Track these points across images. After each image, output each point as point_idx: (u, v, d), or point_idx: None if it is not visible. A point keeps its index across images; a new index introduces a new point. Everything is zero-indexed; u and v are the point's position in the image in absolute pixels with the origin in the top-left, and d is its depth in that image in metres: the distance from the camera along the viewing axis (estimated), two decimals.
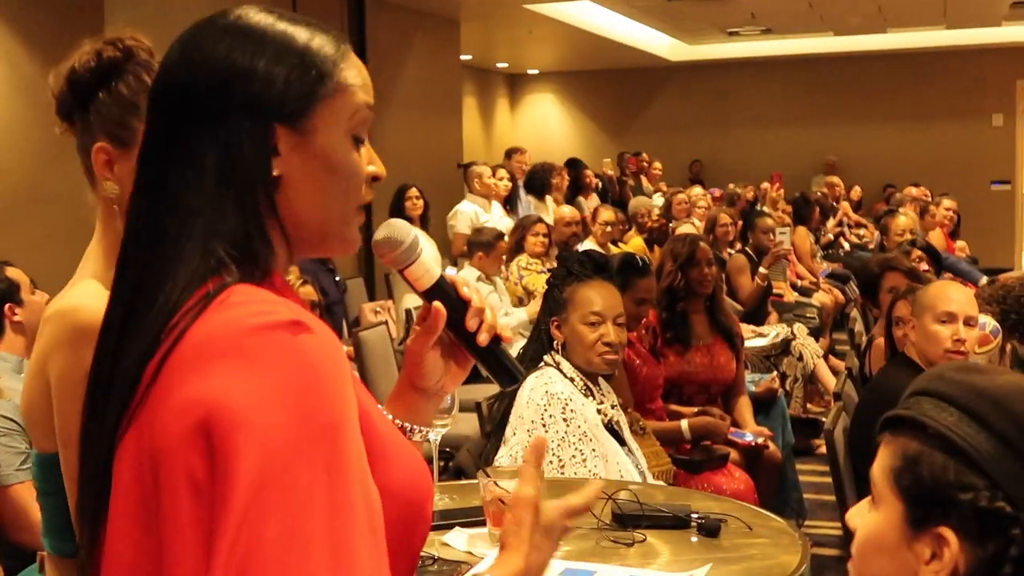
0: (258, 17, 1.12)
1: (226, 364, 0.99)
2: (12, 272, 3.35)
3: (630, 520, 2.27)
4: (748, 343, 5.62)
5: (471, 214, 7.95)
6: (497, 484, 2.19)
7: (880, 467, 1.28)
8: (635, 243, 8.12)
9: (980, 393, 1.23)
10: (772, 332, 6.21)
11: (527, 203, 9.17)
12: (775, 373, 5.63)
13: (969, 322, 3.31)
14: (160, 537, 0.98)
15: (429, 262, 1.33)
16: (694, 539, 2.24)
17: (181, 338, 1.01)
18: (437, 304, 1.31)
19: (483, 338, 1.32)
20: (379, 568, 1.01)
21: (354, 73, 1.14)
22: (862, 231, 12.27)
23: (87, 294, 1.60)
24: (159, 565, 0.98)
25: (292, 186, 1.11)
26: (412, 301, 6.50)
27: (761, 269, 6.88)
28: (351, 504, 0.99)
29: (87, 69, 1.69)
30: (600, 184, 11.33)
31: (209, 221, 1.06)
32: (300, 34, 1.12)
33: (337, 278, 6.56)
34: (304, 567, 0.94)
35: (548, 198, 9.31)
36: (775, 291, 7.51)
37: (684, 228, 8.06)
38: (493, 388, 3.43)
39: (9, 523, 2.94)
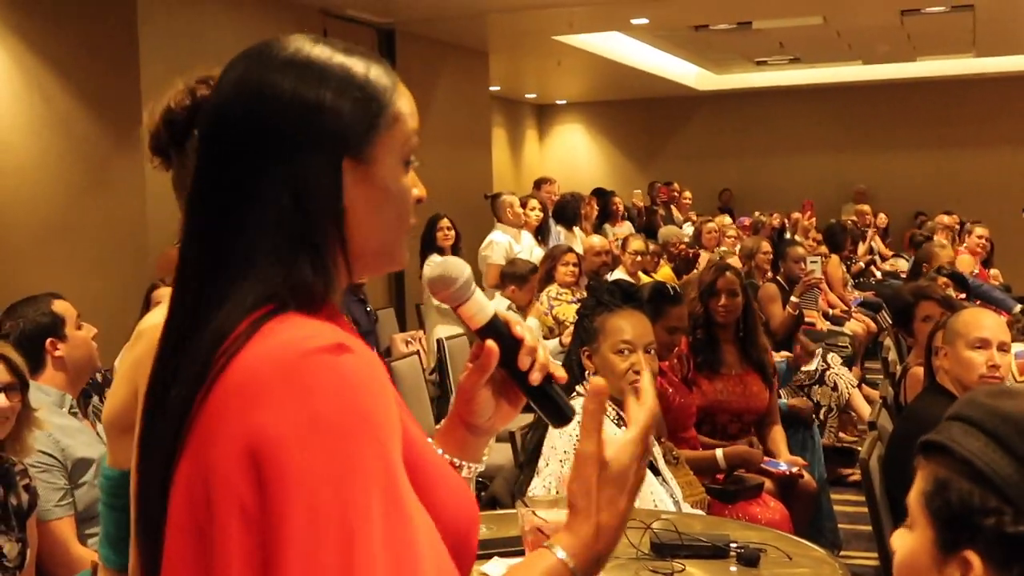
0: (317, 50, 1.12)
1: (271, 392, 0.99)
2: (59, 306, 3.33)
3: (668, 550, 2.26)
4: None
5: (505, 244, 7.94)
6: (535, 514, 2.18)
7: (915, 491, 1.29)
8: (664, 272, 8.11)
9: (1006, 418, 1.24)
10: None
11: (557, 233, 9.18)
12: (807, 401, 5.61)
13: (1003, 348, 3.30)
14: (212, 565, 0.99)
15: (482, 300, 1.31)
16: (733, 568, 2.23)
17: (228, 364, 1.02)
18: (490, 343, 1.29)
19: (535, 377, 1.30)
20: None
21: (405, 101, 1.15)
22: (894, 262, 12.21)
23: None
24: None
25: (355, 215, 1.11)
26: (443, 331, 6.51)
27: (792, 298, 6.85)
28: (405, 520, 1.00)
29: (182, 107, 1.73)
30: (627, 212, 11.33)
31: (273, 256, 1.07)
32: (358, 66, 1.12)
33: (368, 308, 6.58)
34: None
35: (576, 228, 9.32)
36: (807, 320, 7.48)
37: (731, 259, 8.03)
38: (527, 418, 3.43)
39: (47, 558, 2.95)
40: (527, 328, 1.34)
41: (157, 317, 1.71)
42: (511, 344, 1.30)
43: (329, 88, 1.09)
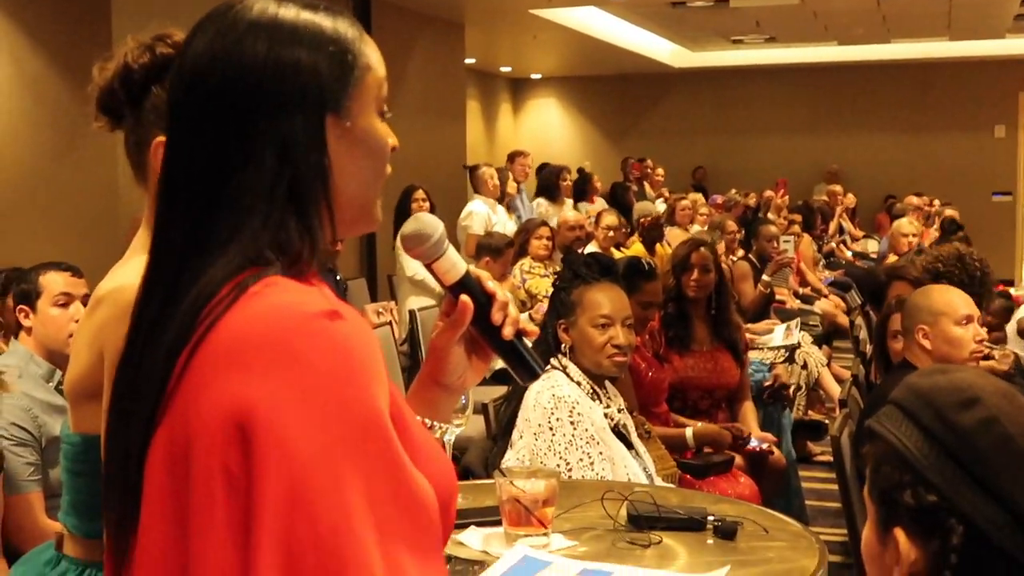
0: (283, 9, 1.11)
1: (262, 358, 0.98)
2: (47, 279, 3.22)
3: (646, 522, 2.27)
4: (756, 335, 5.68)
5: (485, 215, 7.93)
6: (513, 484, 2.19)
7: (867, 478, 1.30)
8: (637, 248, 8.12)
9: (917, 393, 1.25)
10: (780, 330, 6.24)
11: (530, 207, 9.16)
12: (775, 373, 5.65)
13: (979, 321, 3.35)
14: (189, 531, 0.98)
15: (455, 256, 1.33)
16: (710, 541, 2.24)
17: (212, 328, 1.01)
18: (465, 298, 1.31)
19: (508, 331, 1.32)
20: (427, 552, 1.01)
21: (371, 50, 1.16)
22: (864, 243, 12.29)
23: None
24: (189, 557, 0.98)
25: (339, 171, 1.11)
26: (415, 302, 6.49)
27: (764, 277, 6.88)
28: (396, 489, 0.99)
29: (141, 65, 1.70)
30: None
31: (259, 218, 1.06)
32: (325, 21, 1.12)
33: (339, 277, 6.55)
34: (358, 557, 0.94)
35: (568, 200, 9.30)
36: (778, 298, 7.53)
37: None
38: (500, 390, 3.43)
39: (15, 531, 2.93)
40: (498, 284, 1.35)
41: (115, 281, 1.68)
42: (483, 300, 1.31)
43: (303, 46, 1.09)
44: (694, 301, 4.61)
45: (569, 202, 9.35)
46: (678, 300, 4.60)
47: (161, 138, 1.67)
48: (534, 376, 1.38)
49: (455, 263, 1.32)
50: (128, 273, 1.66)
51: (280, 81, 1.08)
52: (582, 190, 10.52)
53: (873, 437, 1.28)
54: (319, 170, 1.09)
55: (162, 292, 1.07)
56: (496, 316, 1.32)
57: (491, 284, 1.34)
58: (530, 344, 1.33)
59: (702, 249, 4.69)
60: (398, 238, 6.84)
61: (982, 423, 1.19)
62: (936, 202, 12.28)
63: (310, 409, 0.96)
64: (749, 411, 4.66)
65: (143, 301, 1.10)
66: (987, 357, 4.12)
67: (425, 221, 1.31)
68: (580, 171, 11.64)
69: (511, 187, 8.59)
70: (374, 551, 0.95)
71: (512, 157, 9.95)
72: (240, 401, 0.97)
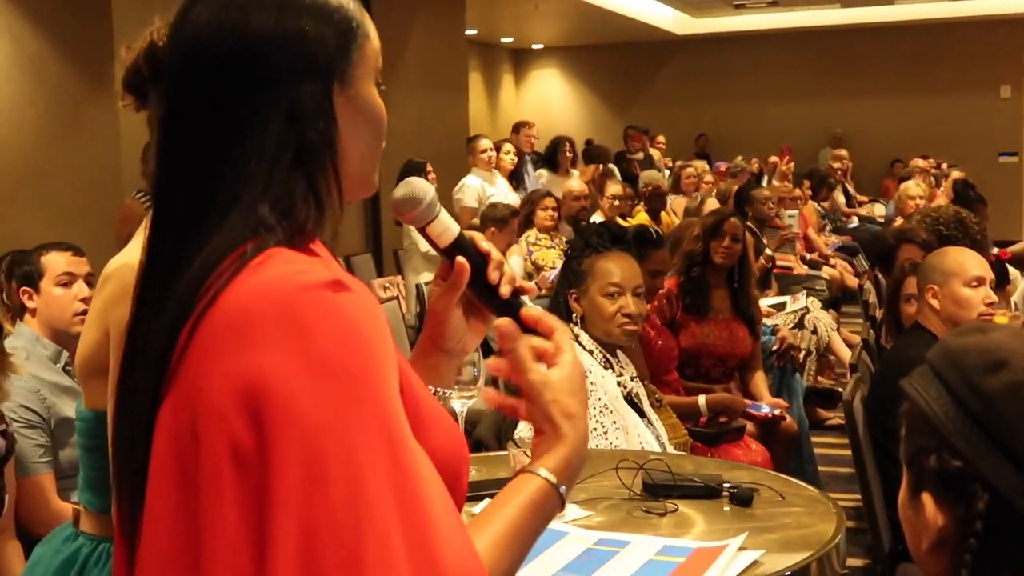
0: None
1: (267, 330, 0.97)
2: (48, 259, 3.22)
3: (661, 491, 2.26)
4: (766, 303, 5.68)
5: (478, 187, 7.91)
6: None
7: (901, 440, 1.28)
8: (642, 217, 8.11)
9: (945, 351, 1.22)
10: (787, 300, 6.23)
11: (535, 177, 9.13)
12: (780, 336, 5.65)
13: (990, 284, 3.33)
14: (197, 506, 0.97)
15: (448, 219, 1.32)
16: (726, 509, 2.23)
17: (214, 301, 1.00)
18: (460, 259, 1.29)
19: (505, 290, 1.31)
20: (452, 520, 1.00)
21: (368, 20, 1.16)
22: (870, 207, 12.25)
23: None
24: (197, 532, 0.97)
25: (345, 140, 1.11)
26: (424, 277, 6.48)
27: (767, 251, 6.87)
28: (411, 459, 0.99)
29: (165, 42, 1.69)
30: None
31: (265, 186, 1.05)
32: None
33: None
34: (376, 527, 0.93)
35: (574, 171, 9.28)
36: (785, 264, 7.52)
37: (711, 203, 8.05)
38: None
39: (27, 513, 2.92)
40: (492, 244, 1.34)
41: (124, 258, 1.69)
42: (478, 260, 1.30)
43: (309, 16, 1.09)
44: (717, 269, 4.61)
45: (576, 173, 9.32)
46: (702, 266, 4.59)
47: None
48: (535, 334, 1.38)
49: (448, 226, 1.31)
50: (133, 252, 1.66)
51: (287, 50, 1.07)
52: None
53: (905, 398, 1.25)
54: (327, 137, 1.09)
55: (164, 265, 1.06)
56: (492, 275, 1.31)
57: (485, 244, 1.33)
58: (528, 302, 1.31)
59: (733, 219, 4.72)
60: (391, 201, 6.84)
61: (1009, 388, 1.16)
62: (944, 165, 12.23)
63: (319, 380, 0.95)
64: (760, 379, 4.68)
65: (146, 275, 1.09)
66: None
67: (415, 185, 1.31)
68: (588, 143, 11.63)
69: (509, 161, 8.53)
70: (392, 523, 0.94)
71: (517, 128, 9.91)
72: (248, 374, 0.96)
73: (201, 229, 1.04)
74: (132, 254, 1.67)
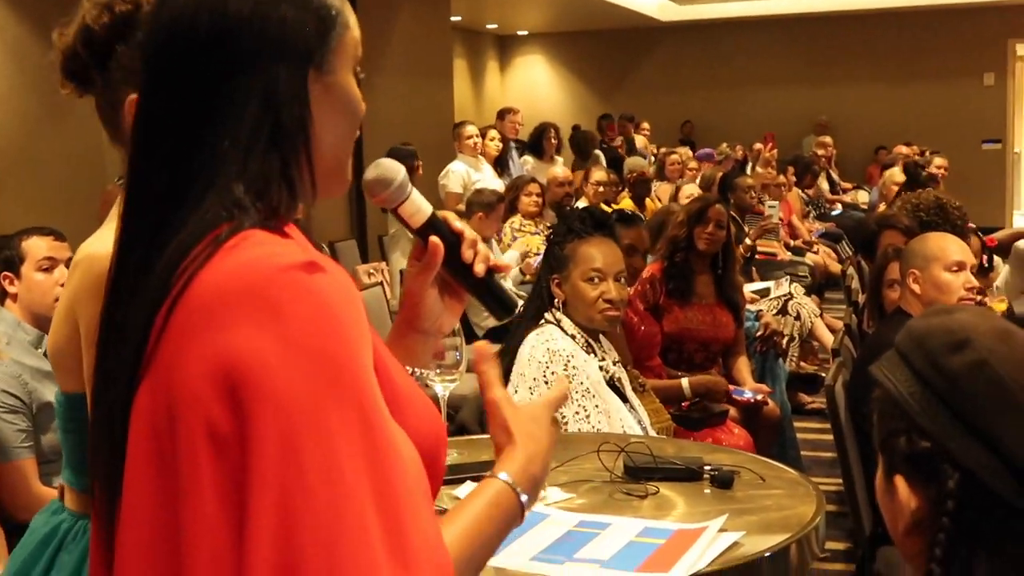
0: None
1: (243, 311, 0.97)
2: (29, 244, 3.20)
3: (643, 473, 2.27)
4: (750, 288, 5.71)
5: (463, 173, 7.91)
6: None
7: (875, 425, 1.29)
8: (626, 203, 8.12)
9: (911, 334, 1.24)
10: (770, 285, 6.26)
11: (519, 164, 9.13)
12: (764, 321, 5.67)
13: (972, 270, 3.35)
14: (176, 490, 0.97)
15: (420, 199, 1.33)
16: (707, 491, 2.24)
17: (189, 284, 1.00)
18: (435, 239, 1.31)
19: (480, 268, 1.33)
20: (424, 504, 1.01)
21: (349, 10, 1.16)
22: (854, 194, 12.29)
23: None
24: (176, 516, 0.97)
25: (319, 127, 1.11)
26: (406, 262, 6.47)
27: (746, 241, 6.89)
28: (387, 440, 0.99)
29: (102, 25, 1.68)
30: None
31: (240, 169, 1.05)
32: None
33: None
34: (353, 508, 0.94)
35: (559, 158, 9.28)
36: (768, 251, 7.54)
37: (688, 189, 8.08)
38: (494, 347, 3.40)
39: (9, 497, 2.92)
40: (464, 223, 1.36)
41: (89, 248, 1.68)
42: (452, 240, 1.32)
43: (288, 2, 1.09)
44: (701, 255, 4.63)
45: (560, 159, 9.33)
46: (686, 251, 4.60)
47: (134, 96, 1.66)
48: (509, 311, 1.40)
49: (420, 206, 1.32)
50: (102, 240, 1.67)
51: (264, 35, 1.08)
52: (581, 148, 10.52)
53: (876, 383, 1.26)
54: (300, 123, 1.09)
55: (140, 250, 1.06)
56: (467, 254, 1.32)
57: (458, 223, 1.34)
58: (508, 285, 1.32)
59: (718, 206, 4.74)
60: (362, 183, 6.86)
61: (972, 366, 1.17)
62: (927, 152, 12.26)
63: (296, 361, 0.95)
64: (743, 365, 4.70)
65: (120, 259, 1.09)
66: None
67: (386, 166, 1.31)
68: (575, 128, 11.63)
69: (494, 147, 8.53)
70: (368, 505, 0.94)
71: (502, 114, 9.91)
72: (224, 356, 0.96)
73: (177, 212, 1.05)
74: (99, 243, 1.67)
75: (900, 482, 1.21)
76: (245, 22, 1.07)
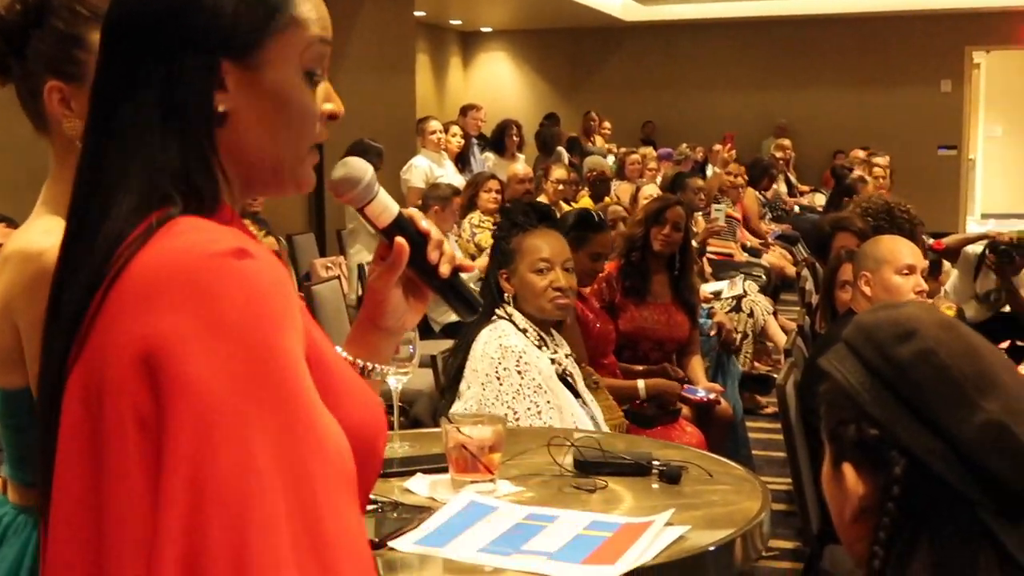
0: None
1: (170, 295, 0.97)
2: None
3: (592, 467, 2.28)
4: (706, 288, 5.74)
5: (426, 168, 7.92)
6: (459, 430, 2.20)
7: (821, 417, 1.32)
8: (586, 201, 8.15)
9: (859, 327, 1.26)
10: (724, 286, 6.30)
11: (481, 160, 9.14)
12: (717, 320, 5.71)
13: (922, 273, 3.39)
14: (104, 469, 0.97)
15: (387, 199, 1.33)
16: (655, 486, 2.25)
17: (124, 268, 1.00)
18: (400, 239, 1.31)
19: (445, 269, 1.33)
20: (345, 494, 1.01)
21: (309, 7, 1.13)
22: (811, 197, 12.38)
23: (49, 232, 1.57)
24: (102, 500, 0.97)
25: (241, 122, 1.10)
26: (364, 257, 6.47)
27: (694, 243, 6.94)
28: (309, 428, 0.99)
29: (14, 12, 1.67)
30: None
31: (153, 156, 1.05)
32: None
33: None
34: (263, 494, 0.93)
35: (520, 155, 9.30)
36: (726, 251, 7.60)
37: (648, 189, 8.12)
38: (448, 343, 3.42)
39: None
40: (431, 223, 1.36)
41: (18, 243, 1.66)
42: (418, 240, 1.32)
43: None
44: (657, 256, 4.65)
45: (522, 157, 9.35)
46: (642, 251, 4.63)
47: (52, 83, 1.66)
48: (474, 311, 1.40)
49: (387, 206, 1.32)
50: (32, 233, 1.65)
51: (178, 19, 1.06)
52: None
53: (824, 376, 1.29)
54: (203, 115, 1.07)
55: (85, 236, 1.06)
56: (432, 255, 1.32)
57: (424, 223, 1.34)
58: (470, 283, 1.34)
59: (678, 207, 4.75)
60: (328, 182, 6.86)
61: (919, 354, 1.20)
62: (871, 156, 12.37)
63: (217, 344, 0.95)
64: (697, 364, 4.73)
65: (64, 251, 1.09)
66: None
67: (353, 165, 1.31)
68: (548, 117, 11.64)
69: (456, 143, 8.54)
70: (279, 492, 0.94)
71: (464, 111, 9.92)
72: (147, 338, 0.96)
73: (105, 198, 1.05)
74: (28, 236, 1.64)
75: (848, 469, 1.23)
76: (160, 8, 1.07)
